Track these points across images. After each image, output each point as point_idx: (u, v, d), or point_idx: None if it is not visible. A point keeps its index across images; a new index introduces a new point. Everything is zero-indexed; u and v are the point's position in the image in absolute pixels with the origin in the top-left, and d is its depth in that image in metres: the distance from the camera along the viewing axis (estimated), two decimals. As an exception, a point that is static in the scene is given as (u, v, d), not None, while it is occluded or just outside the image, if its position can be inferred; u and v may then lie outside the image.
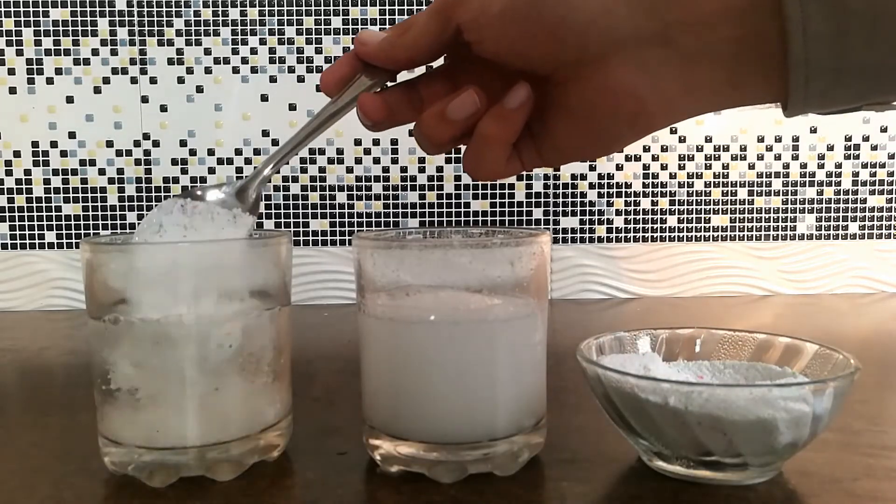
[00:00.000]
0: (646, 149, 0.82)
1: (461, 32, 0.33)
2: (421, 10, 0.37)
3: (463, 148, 0.36)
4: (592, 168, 0.81)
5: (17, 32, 0.77)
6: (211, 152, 0.79)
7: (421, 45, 0.35)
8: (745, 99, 0.32)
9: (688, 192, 0.82)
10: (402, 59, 0.35)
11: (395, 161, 0.80)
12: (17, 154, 0.78)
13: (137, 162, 0.79)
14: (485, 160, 0.36)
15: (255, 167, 0.37)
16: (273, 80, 0.79)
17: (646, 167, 0.82)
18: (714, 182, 0.82)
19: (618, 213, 0.82)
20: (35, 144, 0.78)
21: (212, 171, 0.80)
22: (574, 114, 0.34)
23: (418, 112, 0.37)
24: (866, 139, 0.83)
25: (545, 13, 0.31)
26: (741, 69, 0.31)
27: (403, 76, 0.37)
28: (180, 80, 0.79)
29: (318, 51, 0.79)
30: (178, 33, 0.78)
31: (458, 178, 0.81)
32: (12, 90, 0.78)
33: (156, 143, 0.79)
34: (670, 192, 0.82)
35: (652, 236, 0.83)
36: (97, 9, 0.77)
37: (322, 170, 0.80)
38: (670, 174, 0.82)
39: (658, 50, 0.31)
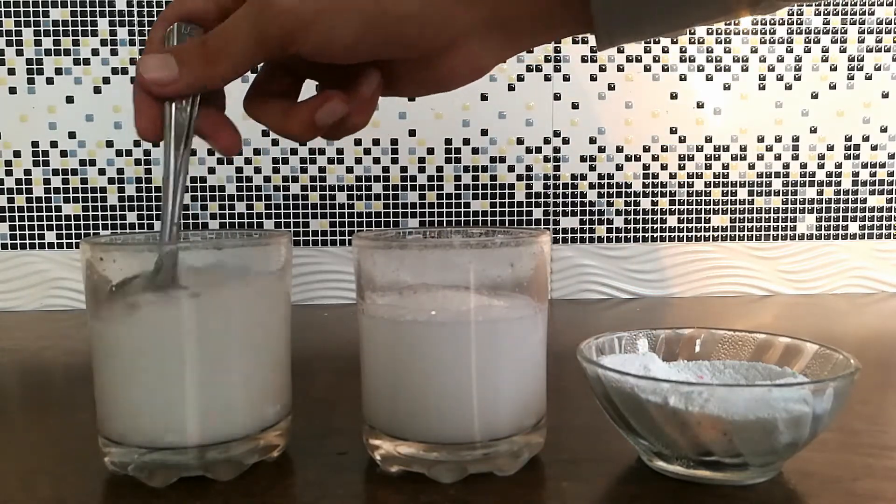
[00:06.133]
0: (646, 149, 0.82)
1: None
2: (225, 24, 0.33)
3: None
4: (592, 168, 0.81)
5: (17, 32, 0.77)
6: (211, 152, 0.79)
7: (241, 71, 0.34)
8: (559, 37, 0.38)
9: (688, 192, 0.82)
10: (220, 85, 0.35)
11: (395, 161, 0.80)
12: (17, 154, 0.78)
13: (137, 162, 0.79)
14: (346, 134, 0.38)
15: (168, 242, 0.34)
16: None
17: (646, 167, 0.82)
18: (714, 182, 0.82)
19: (618, 213, 0.82)
20: (35, 144, 0.78)
21: (212, 171, 0.80)
22: (417, 82, 0.38)
23: (284, 114, 0.37)
24: (866, 139, 0.83)
25: (391, 41, 0.33)
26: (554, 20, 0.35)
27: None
28: (180, 80, 0.79)
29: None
30: (178, 33, 0.78)
31: (457, 178, 0.81)
32: (12, 90, 0.78)
33: (156, 143, 0.79)
34: (670, 192, 0.82)
35: (652, 236, 0.83)
36: (97, 9, 0.77)
37: (322, 170, 0.80)
38: (670, 174, 0.82)
39: (495, 32, 0.35)
